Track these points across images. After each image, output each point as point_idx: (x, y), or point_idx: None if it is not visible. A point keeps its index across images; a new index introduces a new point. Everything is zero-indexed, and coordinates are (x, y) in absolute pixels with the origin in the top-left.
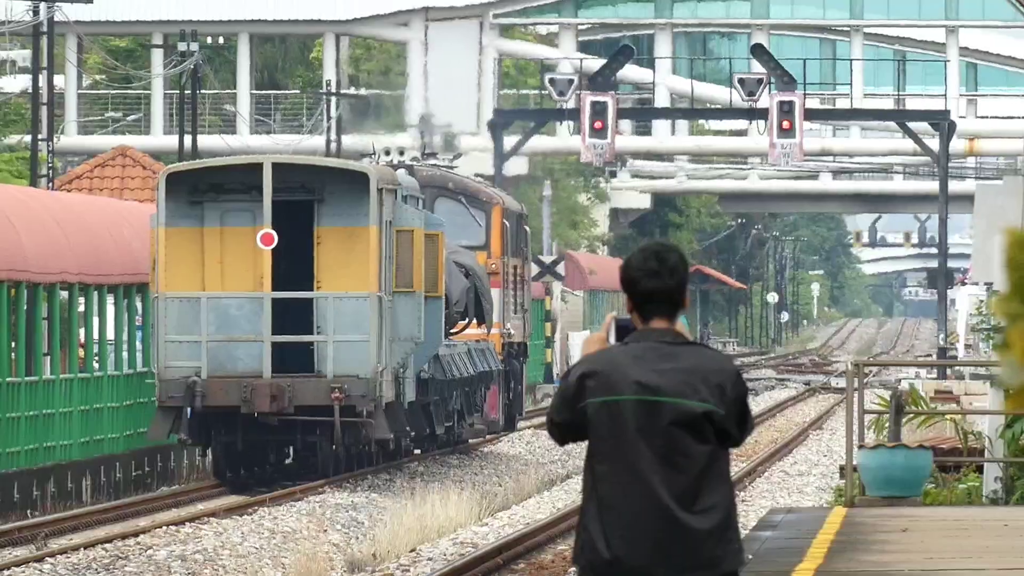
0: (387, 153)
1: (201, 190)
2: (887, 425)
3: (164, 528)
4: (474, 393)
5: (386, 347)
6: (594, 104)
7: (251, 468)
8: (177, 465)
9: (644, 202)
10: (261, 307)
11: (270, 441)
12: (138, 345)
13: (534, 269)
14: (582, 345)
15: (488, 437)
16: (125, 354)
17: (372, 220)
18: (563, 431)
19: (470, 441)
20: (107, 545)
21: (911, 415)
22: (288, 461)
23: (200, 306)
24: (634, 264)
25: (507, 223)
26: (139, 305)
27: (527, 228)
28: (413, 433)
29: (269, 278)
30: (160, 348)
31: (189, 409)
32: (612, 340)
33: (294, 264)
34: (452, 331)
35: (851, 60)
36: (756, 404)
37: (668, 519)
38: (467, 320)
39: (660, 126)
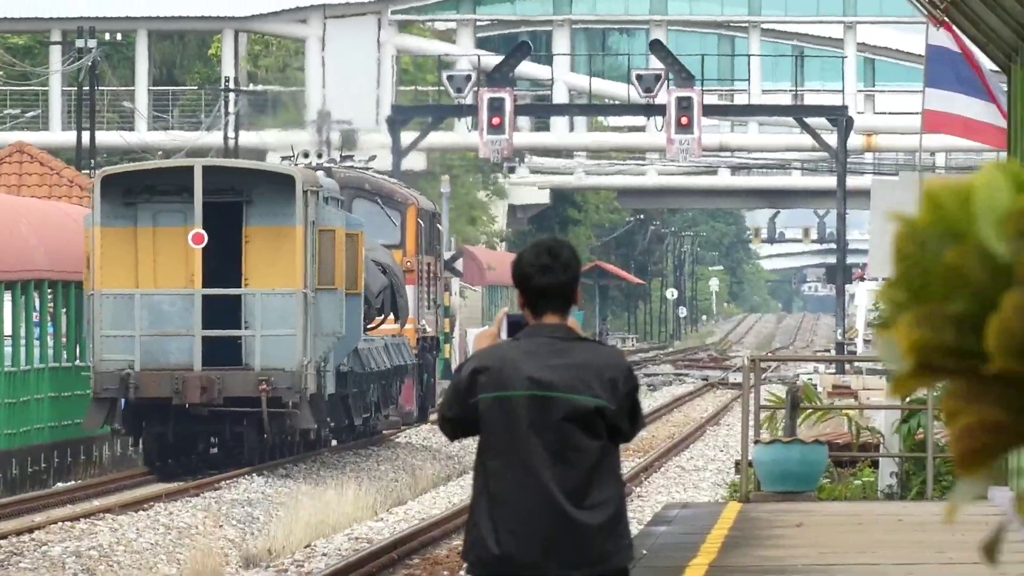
0: (306, 155)
1: (135, 191)
2: (782, 421)
3: (59, 524)
4: (390, 386)
5: (310, 341)
6: (492, 100)
7: (179, 458)
8: (74, 461)
9: (543, 198)
10: (192, 303)
11: (200, 431)
12: (35, 342)
13: None
14: (474, 340)
15: (402, 428)
16: (23, 350)
17: (298, 220)
18: (454, 426)
19: (384, 432)
20: (1, 541)
21: (807, 411)
22: (213, 451)
23: (134, 302)
24: (526, 260)
25: (421, 222)
26: (36, 302)
27: (440, 227)
28: (333, 424)
29: (200, 276)
30: (95, 342)
31: (123, 400)
32: (504, 336)
33: (223, 262)
34: (370, 326)
35: (749, 56)
36: (654, 400)
37: (559, 515)
38: (383, 316)
39: (558, 122)
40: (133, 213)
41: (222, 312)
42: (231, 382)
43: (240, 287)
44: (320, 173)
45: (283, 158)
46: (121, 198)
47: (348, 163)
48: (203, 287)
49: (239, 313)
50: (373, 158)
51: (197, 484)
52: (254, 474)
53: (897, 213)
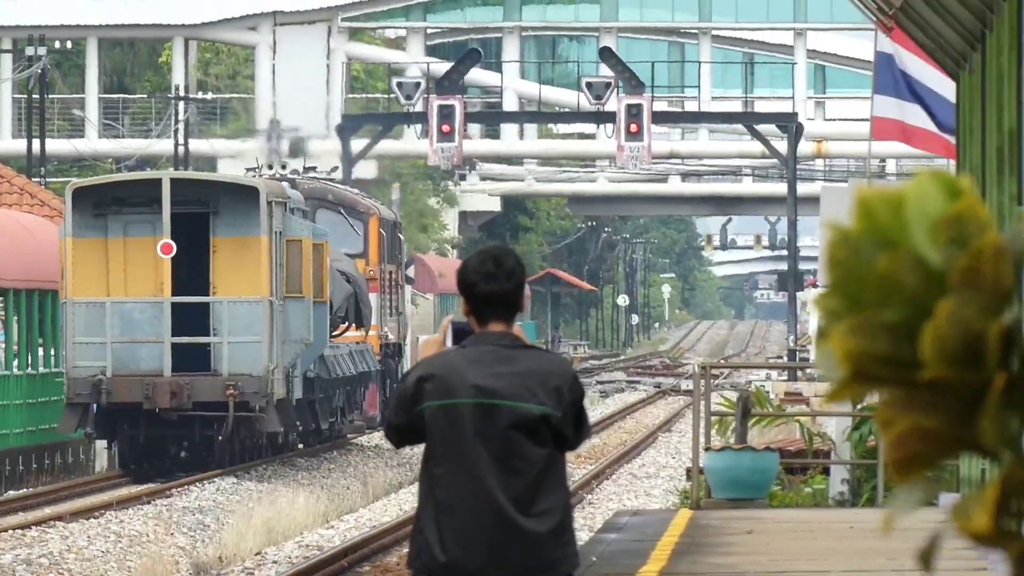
0: (270, 167)
1: (105, 203)
2: (732, 427)
3: (10, 532)
4: (355, 391)
5: (277, 348)
6: (441, 108)
7: (152, 460)
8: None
9: (493, 205)
10: (161, 311)
11: (170, 435)
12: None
13: None
14: (419, 348)
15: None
16: None
17: (263, 231)
18: (400, 434)
19: (348, 436)
20: None
21: (756, 417)
22: (183, 455)
23: (105, 310)
24: (471, 267)
25: (383, 232)
26: None
27: (401, 236)
28: (300, 428)
29: (169, 284)
30: (68, 349)
31: (95, 405)
32: (449, 343)
33: (192, 271)
34: (334, 333)
35: (699, 63)
36: (606, 407)
37: (505, 522)
38: (347, 323)
39: (508, 130)
40: (104, 224)
41: (191, 319)
42: (200, 387)
43: (208, 295)
44: (284, 184)
45: (248, 170)
46: (92, 210)
47: (311, 174)
48: (172, 295)
49: (207, 320)
50: (335, 169)
51: (149, 491)
52: (205, 482)
53: (829, 221)
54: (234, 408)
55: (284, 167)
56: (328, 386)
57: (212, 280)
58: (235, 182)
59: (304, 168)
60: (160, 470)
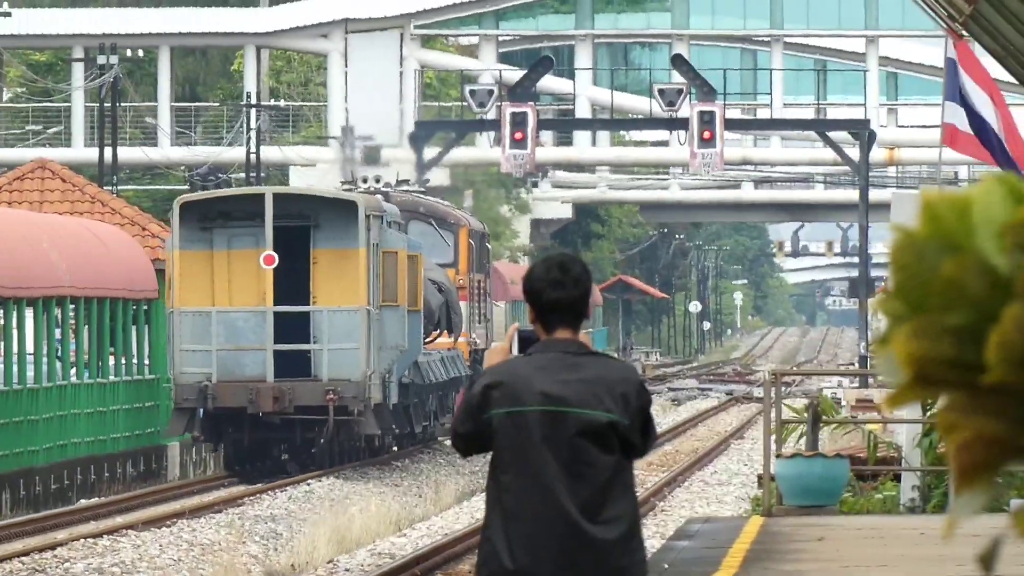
0: (364, 181)
1: (210, 217)
2: (801, 431)
3: (82, 541)
4: (446, 396)
5: (374, 354)
6: (514, 115)
7: (256, 462)
8: (98, 477)
9: (565, 212)
10: (264, 320)
11: (273, 438)
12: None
13: None
14: (485, 356)
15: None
16: (44, 367)
17: (361, 243)
18: (467, 442)
19: (440, 439)
20: (24, 558)
21: (826, 423)
22: (284, 457)
23: (211, 319)
24: (537, 275)
25: (472, 242)
26: (58, 317)
27: (489, 246)
28: (396, 431)
29: (271, 294)
30: (176, 356)
31: (202, 410)
32: (515, 351)
33: (293, 282)
34: (427, 340)
35: (771, 70)
36: (678, 414)
37: (573, 529)
38: (439, 330)
39: (581, 137)
40: (209, 237)
41: (292, 327)
42: (301, 392)
43: (308, 304)
44: (378, 197)
45: (343, 183)
46: (198, 223)
47: (404, 187)
48: (274, 305)
49: (308, 328)
50: (427, 182)
51: (221, 499)
52: (276, 490)
53: (895, 224)
54: (334, 412)
55: (378, 180)
56: (421, 391)
57: (312, 290)
58: (335, 197)
59: (397, 181)
60: (263, 471)
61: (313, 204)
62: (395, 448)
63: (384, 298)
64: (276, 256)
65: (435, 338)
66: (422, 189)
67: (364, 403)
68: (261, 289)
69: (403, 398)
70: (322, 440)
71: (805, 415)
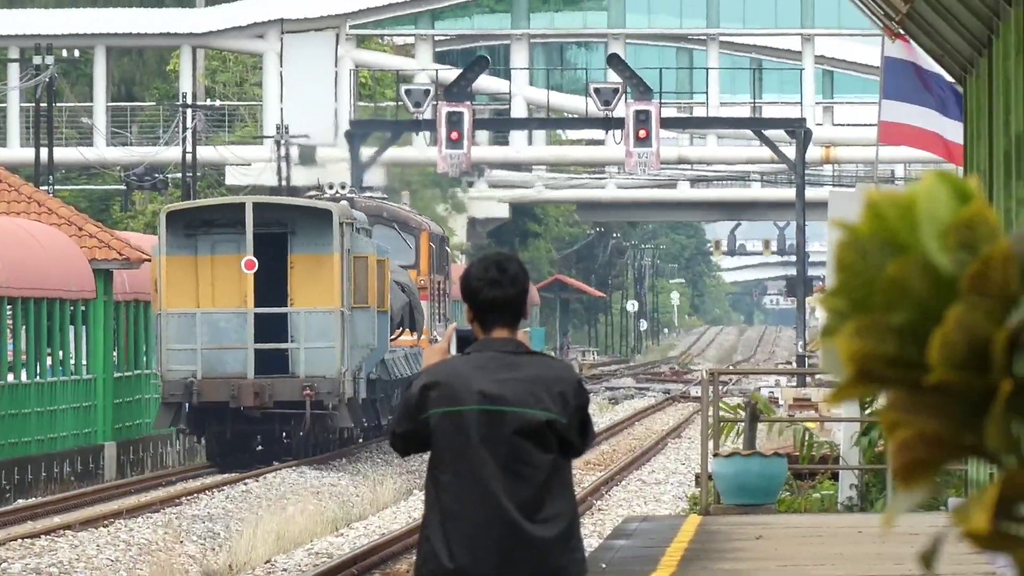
0: (330, 187)
1: (194, 225)
2: (739, 430)
3: (19, 541)
4: None
5: (347, 352)
6: (450, 115)
7: (237, 453)
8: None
9: (502, 212)
10: (245, 320)
11: (254, 430)
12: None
13: None
14: (423, 356)
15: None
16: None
17: (335, 249)
18: (406, 442)
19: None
20: None
21: (763, 421)
22: (258, 448)
23: (195, 320)
24: (474, 274)
25: (433, 245)
26: None
27: (448, 248)
28: (366, 423)
29: (252, 297)
30: (163, 355)
31: (187, 404)
32: (453, 351)
33: (272, 285)
34: (391, 338)
35: (707, 69)
36: (615, 413)
37: (512, 528)
38: (402, 329)
39: (517, 136)
40: (194, 243)
41: (271, 328)
42: (280, 388)
43: (286, 306)
44: (343, 203)
45: (309, 191)
46: (183, 230)
47: (368, 194)
48: (255, 307)
49: (286, 328)
50: (364, 189)
51: (158, 499)
52: (214, 489)
53: (838, 221)
54: (311, 406)
55: (344, 187)
56: (387, 386)
57: (290, 293)
58: (311, 206)
59: (361, 187)
60: (243, 462)
61: (290, 213)
62: (361, 440)
63: (355, 300)
64: (256, 261)
65: (399, 336)
66: (384, 195)
67: (339, 398)
68: (242, 292)
69: (371, 393)
70: (300, 433)
71: (742, 412)
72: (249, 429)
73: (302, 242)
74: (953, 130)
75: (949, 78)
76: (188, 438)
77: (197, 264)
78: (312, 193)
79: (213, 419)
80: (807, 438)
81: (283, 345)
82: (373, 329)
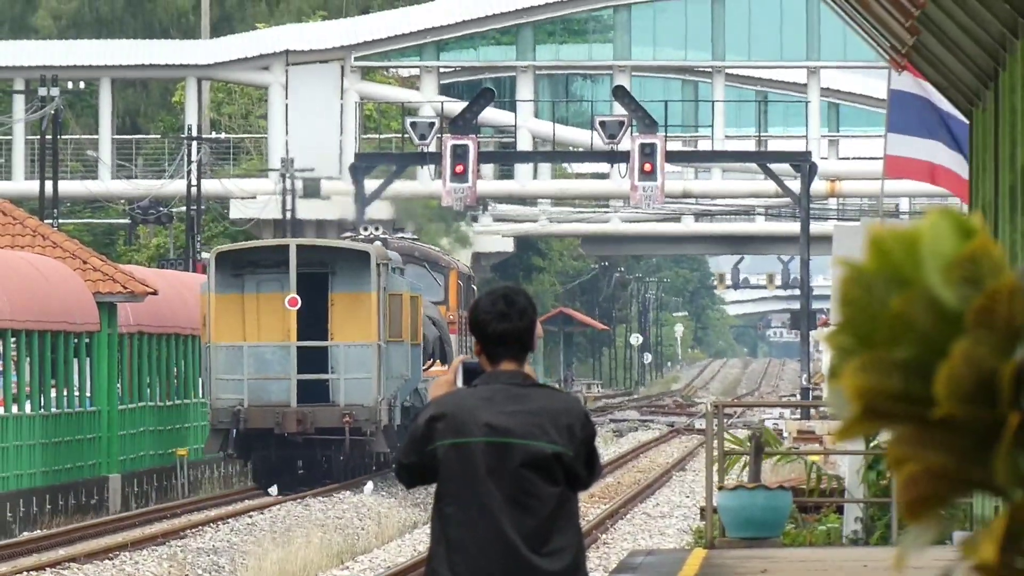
0: (365, 229)
1: (241, 265)
2: (744, 464)
3: (24, 574)
4: None
5: (383, 383)
6: (455, 148)
7: (281, 476)
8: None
9: (507, 246)
10: (289, 353)
11: (297, 455)
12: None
13: None
14: (430, 389)
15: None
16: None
17: (373, 288)
18: (411, 474)
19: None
20: None
21: (768, 455)
22: (300, 471)
23: (242, 353)
24: (483, 307)
25: (460, 283)
26: None
27: (474, 286)
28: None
29: (295, 331)
30: (212, 384)
31: (234, 431)
32: (460, 383)
33: (313, 320)
34: (424, 369)
35: (713, 101)
36: (619, 446)
37: (517, 561)
38: (434, 360)
39: (522, 169)
40: (241, 282)
41: (313, 360)
42: (321, 415)
43: (327, 340)
44: (378, 244)
45: (344, 232)
46: (231, 270)
47: (399, 235)
48: (297, 340)
49: (326, 360)
50: (420, 229)
51: (164, 531)
52: (219, 522)
53: (843, 258)
54: (349, 432)
55: (377, 228)
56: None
57: (330, 328)
58: (350, 248)
59: (394, 229)
60: (288, 484)
61: (331, 254)
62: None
63: (391, 334)
64: (299, 299)
65: (430, 366)
66: (415, 236)
67: (375, 424)
68: (286, 327)
69: (405, 420)
70: (340, 457)
71: (747, 445)
72: (292, 454)
73: (342, 281)
74: (959, 165)
75: (955, 111)
76: (235, 462)
77: (244, 301)
78: (348, 234)
79: (258, 444)
80: (815, 470)
81: (324, 376)
82: (407, 361)
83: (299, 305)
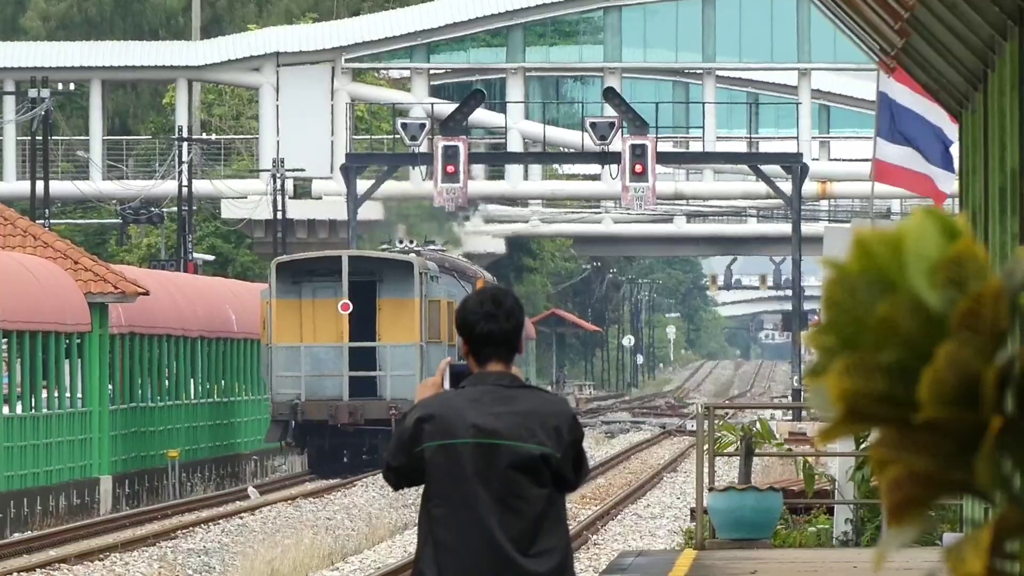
0: (400, 241)
1: (299, 274)
2: (736, 450)
3: (15, 574)
4: None
5: (424, 379)
6: (446, 148)
7: (333, 463)
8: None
9: (498, 247)
10: (341, 353)
11: (348, 443)
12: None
13: None
14: (417, 391)
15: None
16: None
17: (416, 295)
18: (399, 475)
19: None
20: None
21: (764, 445)
22: (344, 460)
23: (300, 352)
24: (470, 308)
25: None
26: None
27: None
28: None
29: (347, 333)
30: (273, 381)
31: (293, 422)
32: (447, 385)
33: (363, 324)
34: None
35: (703, 103)
36: (611, 447)
37: (505, 562)
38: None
39: (513, 170)
40: (298, 289)
41: (362, 359)
42: (370, 408)
43: (375, 341)
44: (414, 254)
45: (382, 244)
46: (290, 278)
47: (431, 247)
48: (349, 341)
49: (375, 359)
50: (447, 243)
51: (154, 532)
52: (210, 523)
53: (828, 259)
54: (395, 423)
55: (412, 242)
56: None
57: (378, 330)
58: (396, 259)
59: (425, 241)
60: (339, 471)
61: (379, 264)
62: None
63: (431, 336)
64: (350, 304)
65: None
66: (444, 248)
67: None
68: (339, 329)
69: None
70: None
71: (741, 435)
72: (344, 443)
73: (388, 288)
74: (943, 177)
75: (944, 114)
76: (293, 451)
77: (301, 306)
78: (384, 246)
79: (314, 434)
80: (809, 469)
81: (372, 373)
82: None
83: (351, 310)
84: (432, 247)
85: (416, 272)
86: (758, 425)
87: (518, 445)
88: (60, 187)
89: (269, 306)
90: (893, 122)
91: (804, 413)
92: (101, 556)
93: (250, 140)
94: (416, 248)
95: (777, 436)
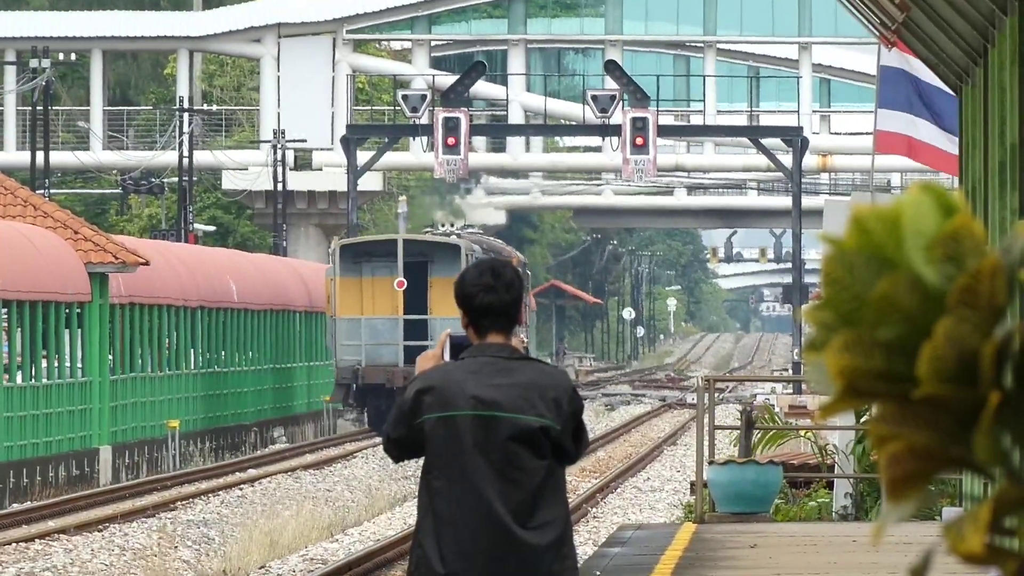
0: (442, 225)
1: (359, 254)
2: (737, 443)
3: (14, 545)
4: None
5: None
6: (447, 120)
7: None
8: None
9: (499, 218)
10: (397, 325)
11: None
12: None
13: None
14: (417, 362)
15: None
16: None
17: None
18: (399, 447)
19: None
20: None
21: (762, 432)
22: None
23: (360, 324)
24: (469, 279)
25: (520, 270)
26: None
27: (528, 272)
28: None
29: (401, 308)
30: (337, 349)
31: (354, 385)
32: (447, 357)
33: (416, 299)
34: None
35: (704, 76)
36: (611, 420)
37: (504, 534)
38: None
39: (514, 143)
40: (359, 268)
41: (415, 330)
42: None
43: (427, 314)
44: (456, 238)
45: (425, 227)
46: (352, 258)
47: (469, 230)
48: (404, 315)
49: (427, 330)
50: (483, 227)
51: (154, 503)
52: (209, 494)
53: (826, 234)
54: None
55: (452, 225)
56: None
57: (429, 305)
58: (445, 242)
59: (464, 225)
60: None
61: (430, 246)
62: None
63: None
64: (405, 282)
65: None
66: (480, 231)
67: None
68: (394, 304)
69: None
70: None
71: (741, 409)
72: None
73: (438, 268)
74: (948, 142)
75: (945, 87)
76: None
77: (362, 284)
78: (427, 229)
79: (373, 396)
80: (818, 445)
81: (424, 342)
82: None
83: (405, 287)
84: (470, 230)
85: (463, 253)
86: (761, 399)
87: (518, 417)
88: (60, 157)
89: (333, 283)
90: (896, 91)
91: (804, 386)
92: (100, 527)
93: (251, 111)
94: (455, 232)
95: (777, 410)
